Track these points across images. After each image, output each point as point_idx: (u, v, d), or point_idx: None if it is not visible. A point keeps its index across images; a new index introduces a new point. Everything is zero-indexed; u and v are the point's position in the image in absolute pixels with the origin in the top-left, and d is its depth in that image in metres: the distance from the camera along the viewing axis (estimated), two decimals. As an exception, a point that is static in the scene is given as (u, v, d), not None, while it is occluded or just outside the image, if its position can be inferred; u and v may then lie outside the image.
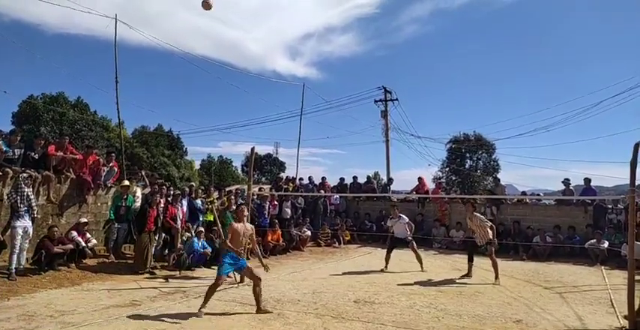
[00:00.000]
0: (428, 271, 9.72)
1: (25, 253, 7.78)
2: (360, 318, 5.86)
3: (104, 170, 10.31)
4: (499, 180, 17.35)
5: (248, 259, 6.39)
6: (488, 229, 8.95)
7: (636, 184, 5.86)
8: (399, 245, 10.25)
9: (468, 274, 9.13)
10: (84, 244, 8.81)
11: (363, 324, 5.60)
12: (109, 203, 10.23)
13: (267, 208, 13.01)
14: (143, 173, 11.71)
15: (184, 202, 10.72)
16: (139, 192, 10.39)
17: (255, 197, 12.31)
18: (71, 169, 9.69)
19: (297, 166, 20.41)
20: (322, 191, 16.20)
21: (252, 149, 9.72)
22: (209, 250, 9.71)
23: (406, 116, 28.93)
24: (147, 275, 8.59)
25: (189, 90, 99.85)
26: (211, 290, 5.96)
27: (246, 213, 6.64)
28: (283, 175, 21.18)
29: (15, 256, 7.47)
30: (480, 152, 38.41)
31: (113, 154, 11.18)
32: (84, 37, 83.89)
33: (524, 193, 16.90)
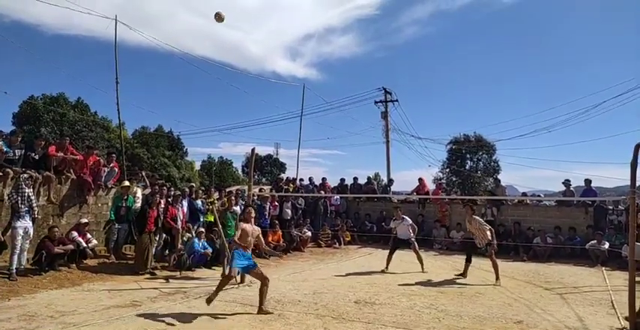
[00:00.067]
0: (428, 272, 9.72)
1: (25, 253, 7.78)
2: (361, 319, 5.86)
3: (104, 171, 10.31)
4: (499, 181, 17.43)
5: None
6: (487, 232, 8.97)
7: (637, 185, 5.85)
8: (401, 246, 10.26)
9: (463, 275, 9.15)
10: (84, 245, 8.81)
11: (363, 325, 5.60)
12: (110, 204, 10.23)
13: (267, 208, 13.02)
14: (143, 174, 11.72)
15: (185, 203, 10.72)
16: (139, 193, 10.40)
17: (255, 198, 12.31)
18: (72, 170, 9.70)
19: (298, 167, 20.48)
20: (323, 192, 16.21)
21: (253, 150, 9.73)
22: (209, 250, 9.71)
23: (406, 117, 29.17)
24: (147, 276, 8.59)
25: (189, 91, 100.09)
26: (224, 282, 6.12)
27: (253, 214, 6.73)
28: (284, 175, 21.23)
29: (16, 257, 7.47)
30: (481, 153, 38.43)
31: (114, 155, 11.19)
32: (84, 37, 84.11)
33: (524, 194, 16.88)
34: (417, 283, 8.57)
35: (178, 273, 8.92)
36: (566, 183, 13.69)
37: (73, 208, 9.69)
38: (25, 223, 7.67)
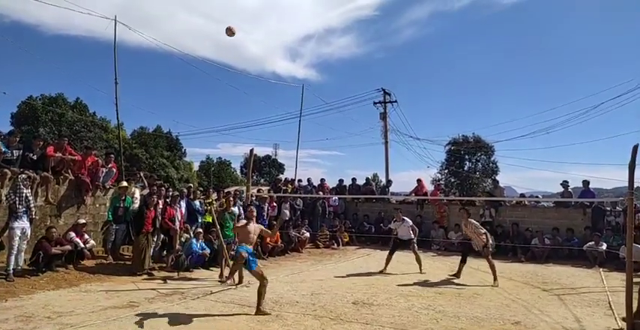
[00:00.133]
0: (426, 273, 9.73)
1: (22, 254, 7.76)
2: (359, 320, 5.86)
3: (103, 171, 10.29)
4: (498, 182, 17.41)
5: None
6: (483, 236, 9.03)
7: (635, 186, 5.87)
8: (401, 247, 10.29)
9: (457, 275, 9.19)
10: (82, 245, 8.79)
11: (361, 326, 5.60)
12: (108, 204, 10.22)
13: (265, 209, 13.02)
14: (142, 174, 11.69)
15: (183, 204, 10.71)
16: (137, 193, 10.39)
17: (253, 199, 12.30)
18: (70, 170, 9.68)
19: (296, 168, 20.47)
20: (321, 193, 16.21)
21: (251, 151, 9.74)
22: (207, 251, 9.70)
23: (405, 118, 29.21)
24: (145, 276, 8.58)
25: (188, 91, 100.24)
26: (236, 265, 6.41)
27: (255, 213, 6.87)
28: (282, 176, 21.22)
29: (13, 257, 7.45)
30: (479, 154, 38.50)
31: (112, 155, 11.17)
32: (83, 38, 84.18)
33: (522, 196, 16.93)
34: (415, 284, 8.57)
35: (176, 274, 8.90)
36: (565, 184, 13.71)
37: (70, 208, 9.66)
38: (22, 224, 7.66)
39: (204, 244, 9.77)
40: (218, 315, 5.91)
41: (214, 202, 10.91)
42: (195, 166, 52.30)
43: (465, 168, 38.70)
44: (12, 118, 37.32)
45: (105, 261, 9.41)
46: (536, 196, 17.55)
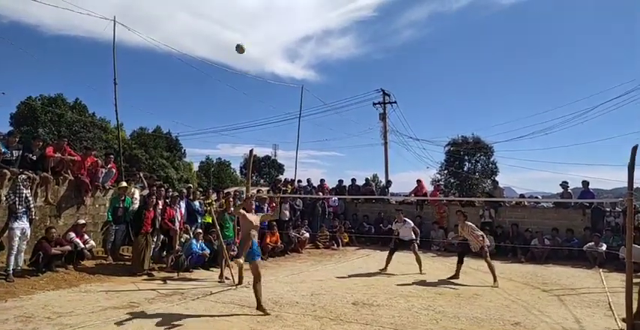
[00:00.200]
0: (426, 274, 9.72)
1: (22, 254, 7.76)
2: (359, 320, 5.86)
3: (102, 172, 10.29)
4: (497, 183, 17.42)
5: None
6: (480, 237, 9.10)
7: (634, 187, 5.87)
8: (401, 247, 10.32)
9: (456, 276, 9.21)
10: (82, 246, 8.79)
11: (361, 326, 5.60)
12: (107, 205, 10.21)
13: (265, 210, 12.99)
14: (141, 175, 11.69)
15: (182, 204, 10.71)
16: (137, 194, 10.38)
17: (253, 199, 12.28)
18: (69, 171, 9.67)
19: (296, 168, 20.39)
20: (321, 193, 16.20)
21: (251, 151, 9.75)
22: (207, 251, 9.70)
23: (404, 119, 29.16)
24: (145, 277, 8.58)
25: (188, 92, 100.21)
26: (246, 243, 6.31)
27: (253, 206, 6.97)
28: (282, 177, 21.23)
29: (12, 258, 7.45)
30: (479, 155, 38.53)
31: (111, 156, 11.17)
32: (82, 38, 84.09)
33: (522, 196, 16.91)
34: (414, 285, 8.57)
35: (176, 274, 8.90)
36: (564, 185, 13.72)
37: (70, 209, 9.66)
38: (22, 224, 7.66)
39: (203, 245, 9.77)
40: (218, 315, 5.91)
41: (214, 202, 10.91)
42: (195, 167, 52.29)
43: (465, 169, 38.74)
44: (11, 119, 37.30)
45: (105, 261, 9.41)
46: (536, 197, 17.55)
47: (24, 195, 7.78)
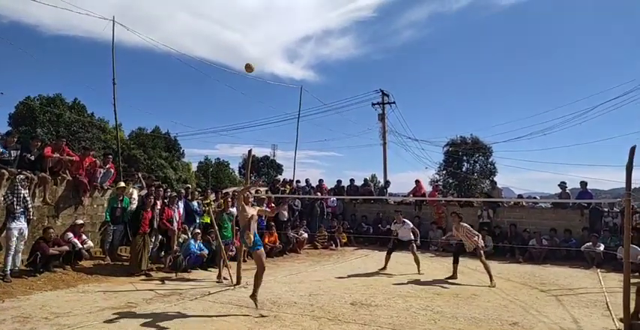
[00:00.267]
0: (424, 274, 9.73)
1: (20, 254, 7.74)
2: (357, 320, 5.86)
3: (100, 172, 10.28)
4: (496, 183, 17.42)
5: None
6: (475, 238, 9.17)
7: (632, 187, 5.88)
8: (399, 247, 10.33)
9: (453, 276, 9.24)
10: (80, 246, 8.78)
11: (359, 326, 5.60)
12: (105, 205, 10.20)
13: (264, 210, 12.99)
14: (140, 175, 11.67)
15: (181, 204, 10.70)
16: (135, 194, 10.36)
17: (251, 199, 12.27)
18: (67, 171, 9.66)
19: (295, 169, 20.40)
20: (319, 193, 16.21)
21: (250, 151, 9.73)
22: (206, 252, 9.69)
23: (403, 119, 29.14)
24: (143, 277, 8.57)
25: (186, 92, 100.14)
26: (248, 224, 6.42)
27: (251, 199, 7.14)
28: (280, 177, 21.18)
29: (10, 258, 7.43)
30: (477, 155, 38.59)
31: (110, 156, 11.15)
32: (81, 38, 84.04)
33: (520, 196, 16.94)
34: (413, 285, 8.58)
35: (174, 274, 8.90)
36: (562, 185, 13.75)
37: (68, 209, 9.64)
38: (20, 224, 7.64)
39: (202, 245, 9.77)
40: (216, 316, 5.91)
41: (212, 202, 10.91)
42: (194, 167, 52.29)
43: (463, 169, 38.82)
44: (10, 119, 37.24)
45: (103, 262, 9.39)
46: (534, 197, 17.56)
47: (22, 195, 7.77)
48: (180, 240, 9.99)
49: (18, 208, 7.65)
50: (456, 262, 9.34)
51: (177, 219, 10.23)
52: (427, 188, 18.84)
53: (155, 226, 9.51)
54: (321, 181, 17.45)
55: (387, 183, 20.16)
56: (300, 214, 15.13)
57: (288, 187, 16.15)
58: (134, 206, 9.92)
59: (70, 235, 8.77)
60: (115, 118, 13.93)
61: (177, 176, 42.34)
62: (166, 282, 8.27)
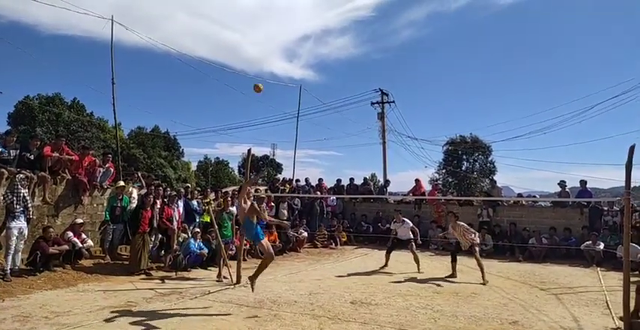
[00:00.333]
0: (424, 273, 9.74)
1: (20, 254, 7.74)
2: (357, 319, 5.86)
3: (100, 171, 10.27)
4: (495, 182, 17.41)
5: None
6: (472, 235, 9.27)
7: (632, 186, 5.88)
8: (399, 246, 10.34)
9: (453, 274, 9.28)
10: (80, 245, 8.78)
11: (359, 325, 5.60)
12: (105, 204, 10.20)
13: (263, 209, 12.97)
14: (139, 174, 11.66)
15: (180, 203, 10.70)
16: (135, 193, 10.36)
17: (251, 198, 12.27)
18: (67, 170, 9.65)
19: (294, 168, 20.38)
20: (319, 193, 16.20)
21: (249, 151, 9.72)
22: (205, 251, 9.69)
23: (403, 118, 29.09)
24: (143, 276, 8.56)
25: (186, 91, 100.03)
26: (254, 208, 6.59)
27: (251, 197, 7.23)
28: (280, 176, 21.15)
29: (10, 257, 7.42)
30: (477, 154, 38.58)
31: (109, 155, 11.14)
32: (80, 38, 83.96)
33: (520, 195, 16.95)
34: (412, 284, 8.58)
35: (174, 273, 8.90)
36: (562, 184, 13.76)
37: (68, 208, 9.64)
38: (19, 224, 7.64)
39: (202, 244, 9.77)
40: (216, 314, 5.91)
41: (212, 202, 10.91)
42: (193, 166, 52.26)
43: (463, 168, 38.80)
44: (9, 118, 37.22)
45: (102, 261, 9.39)
46: (534, 196, 17.58)
47: (21, 194, 7.76)
48: (180, 239, 9.99)
49: (18, 207, 7.64)
50: (454, 261, 9.41)
51: (177, 218, 10.23)
52: (427, 187, 18.82)
53: (155, 225, 9.51)
54: (320, 180, 17.44)
55: (386, 182, 20.15)
56: (300, 214, 15.13)
57: (287, 186, 16.15)
58: (134, 205, 9.91)
59: (70, 234, 8.77)
60: (115, 118, 13.91)
61: (176, 175, 42.33)
62: (166, 281, 8.27)
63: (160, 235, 9.92)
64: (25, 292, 6.81)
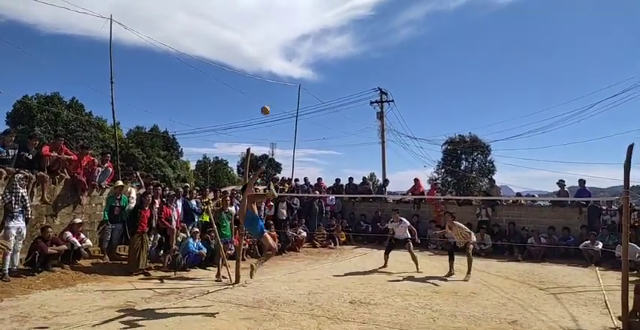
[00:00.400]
0: (423, 272, 9.74)
1: (18, 254, 7.73)
2: (356, 319, 5.86)
3: (99, 171, 10.25)
4: (494, 181, 17.47)
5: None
6: (467, 234, 9.44)
7: (630, 185, 5.89)
8: (397, 246, 10.36)
9: (451, 272, 9.36)
10: (78, 245, 8.77)
11: (358, 325, 5.60)
12: (104, 204, 10.19)
13: (262, 208, 12.99)
14: (138, 174, 11.65)
15: (179, 203, 10.69)
16: (133, 193, 10.35)
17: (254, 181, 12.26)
18: (65, 170, 9.64)
19: (293, 167, 20.43)
20: (318, 192, 16.19)
21: (248, 150, 9.72)
22: (204, 251, 9.69)
23: (402, 118, 29.07)
24: (141, 276, 8.55)
25: (185, 91, 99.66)
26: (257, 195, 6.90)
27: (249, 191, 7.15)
28: (279, 175, 21.14)
29: (8, 257, 7.41)
30: (476, 153, 38.63)
31: (108, 155, 11.13)
32: (79, 37, 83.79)
33: (519, 195, 16.96)
34: (411, 283, 8.58)
35: (173, 273, 8.89)
36: (561, 183, 13.76)
37: (66, 208, 9.63)
38: (18, 224, 7.63)
39: (200, 244, 9.76)
40: (215, 314, 5.90)
41: (211, 201, 10.90)
42: (192, 166, 52.26)
43: (462, 167, 38.83)
44: (7, 118, 37.16)
45: (101, 261, 9.37)
46: (533, 196, 17.59)
47: (20, 194, 7.75)
48: (179, 239, 9.97)
49: (16, 207, 7.63)
50: (451, 259, 9.49)
51: (176, 218, 10.22)
52: (426, 187, 18.82)
53: (154, 224, 9.51)
54: (319, 179, 17.41)
55: (385, 181, 20.14)
56: (299, 213, 15.11)
57: (286, 185, 16.13)
58: (132, 205, 9.90)
59: (69, 234, 8.76)
60: (113, 117, 13.88)
61: (175, 175, 42.32)
62: (165, 281, 8.26)
63: (158, 235, 9.91)
64: (23, 292, 6.80)
